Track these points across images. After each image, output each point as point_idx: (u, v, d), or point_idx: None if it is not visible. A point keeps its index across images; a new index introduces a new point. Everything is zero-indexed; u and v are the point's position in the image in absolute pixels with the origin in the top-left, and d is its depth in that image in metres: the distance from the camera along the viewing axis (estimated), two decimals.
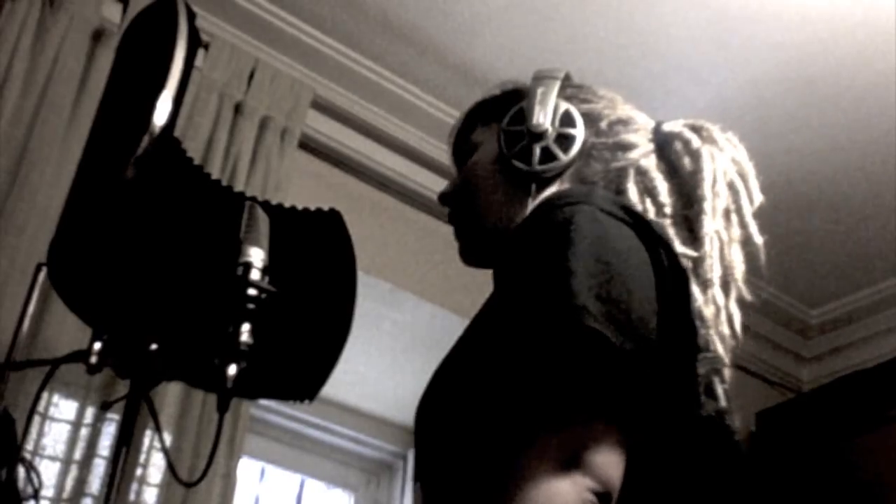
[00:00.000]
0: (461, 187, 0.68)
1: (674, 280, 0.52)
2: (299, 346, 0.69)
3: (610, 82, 1.80)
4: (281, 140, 1.37)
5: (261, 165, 1.34)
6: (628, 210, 0.55)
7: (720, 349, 0.57)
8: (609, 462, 0.45)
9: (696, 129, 0.67)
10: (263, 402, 1.48)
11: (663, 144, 0.66)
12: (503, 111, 0.67)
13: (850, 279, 1.88)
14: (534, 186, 0.62)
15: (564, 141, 0.63)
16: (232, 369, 0.54)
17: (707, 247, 0.60)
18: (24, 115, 1.15)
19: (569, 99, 0.66)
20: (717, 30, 1.43)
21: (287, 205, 0.74)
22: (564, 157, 0.62)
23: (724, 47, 1.45)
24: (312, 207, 0.75)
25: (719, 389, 0.56)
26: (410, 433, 1.88)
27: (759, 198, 0.65)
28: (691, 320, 0.53)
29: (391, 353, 1.60)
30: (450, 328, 1.72)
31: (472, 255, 0.68)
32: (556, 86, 0.66)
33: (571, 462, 0.44)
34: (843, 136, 1.60)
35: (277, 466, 1.62)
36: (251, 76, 1.37)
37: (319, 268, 0.73)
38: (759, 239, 0.64)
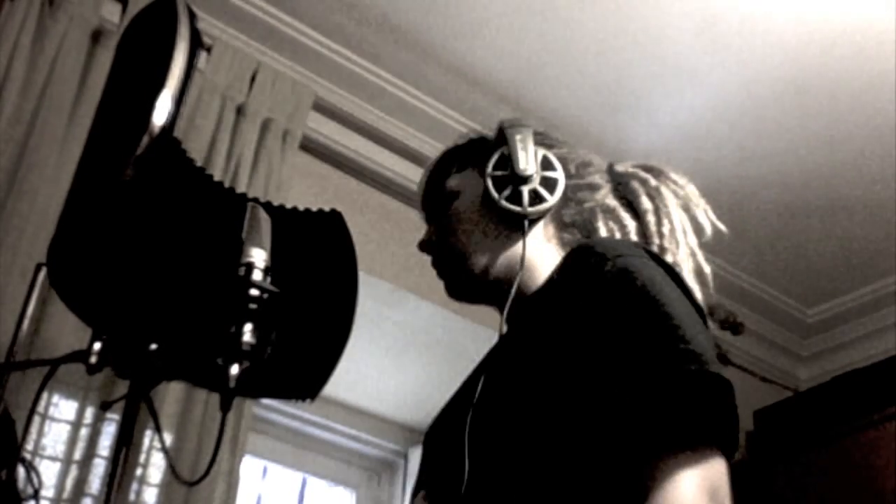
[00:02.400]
0: (446, 233, 0.71)
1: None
2: (301, 346, 0.70)
3: (609, 84, 1.82)
4: (282, 142, 1.38)
5: (262, 167, 1.34)
6: (662, 261, 0.61)
7: None
8: (729, 497, 0.53)
9: (648, 169, 0.73)
10: (266, 401, 1.48)
11: (619, 184, 0.72)
12: (476, 157, 0.71)
13: (847, 278, 1.89)
14: (526, 223, 0.66)
15: (548, 183, 0.68)
16: (234, 369, 0.54)
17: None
18: (23, 115, 1.15)
19: (539, 145, 0.71)
20: (715, 32, 1.43)
21: (288, 206, 0.74)
22: (552, 198, 0.67)
23: (722, 49, 1.46)
24: (314, 208, 0.75)
25: None
26: (412, 431, 1.88)
27: (708, 228, 0.72)
28: None
29: (392, 352, 1.60)
30: (450, 328, 1.73)
31: (462, 292, 0.72)
32: (532, 133, 0.70)
33: (713, 494, 0.51)
34: (840, 137, 1.60)
35: (279, 465, 1.62)
36: (253, 78, 1.37)
37: (321, 268, 0.73)
38: (707, 269, 0.70)
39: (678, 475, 0.51)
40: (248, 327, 0.55)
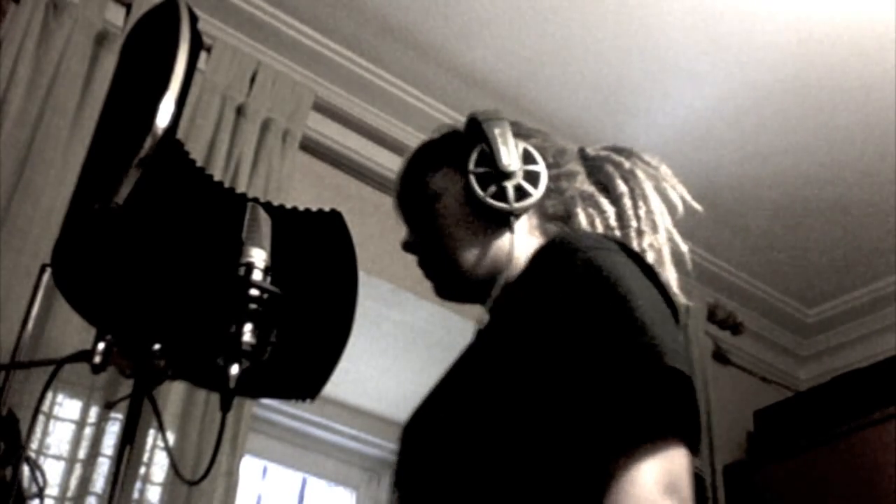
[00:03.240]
0: (431, 234, 0.70)
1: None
2: (301, 346, 0.70)
3: (609, 84, 1.82)
4: (282, 142, 1.38)
5: (262, 167, 1.35)
6: (635, 255, 0.60)
7: None
8: (689, 488, 0.52)
9: (619, 152, 0.73)
10: (266, 401, 1.49)
11: (593, 168, 0.72)
12: (452, 154, 0.69)
13: (847, 278, 1.89)
14: (512, 219, 0.66)
15: (531, 177, 0.67)
16: (234, 369, 0.55)
17: (654, 263, 0.66)
18: (28, 118, 1.16)
19: (516, 137, 0.70)
20: (715, 32, 1.44)
21: (289, 206, 0.74)
22: (536, 192, 0.67)
23: (722, 49, 1.46)
24: (314, 208, 0.75)
25: None
26: None
27: (679, 207, 0.71)
28: None
29: (392, 352, 1.60)
30: (450, 328, 1.73)
31: (452, 292, 0.71)
32: (509, 125, 0.69)
33: (672, 488, 0.50)
34: (840, 137, 1.60)
35: (279, 465, 1.63)
36: (253, 78, 1.38)
37: (321, 268, 0.73)
38: (684, 248, 0.70)
39: (635, 470, 0.50)
40: (248, 327, 0.56)
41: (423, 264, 0.71)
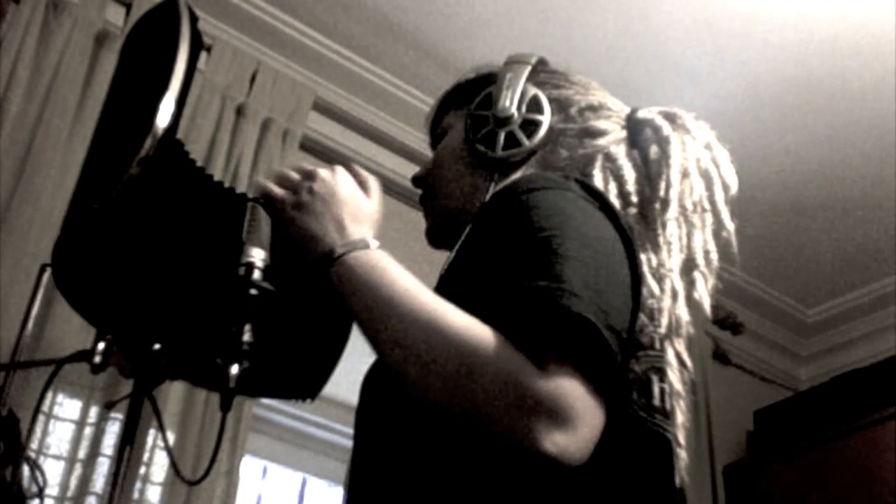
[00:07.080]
0: (432, 170, 0.69)
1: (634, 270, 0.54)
2: (301, 346, 0.70)
3: (609, 83, 1.81)
4: (282, 142, 1.39)
5: (262, 167, 1.35)
6: (597, 194, 0.55)
7: (672, 344, 0.58)
8: (591, 427, 0.45)
9: (668, 117, 0.68)
10: (266, 401, 1.49)
11: (635, 131, 0.66)
12: (475, 95, 0.66)
13: (847, 279, 1.89)
14: (497, 172, 0.62)
15: (530, 126, 0.63)
16: (234, 369, 0.55)
17: (669, 235, 0.61)
18: (28, 118, 1.16)
19: (540, 85, 0.66)
20: (715, 31, 1.44)
21: None
22: (528, 143, 0.62)
23: (722, 48, 1.46)
24: None
25: (656, 388, 0.56)
26: None
27: (734, 184, 0.67)
28: (637, 314, 0.54)
29: None
30: None
31: (436, 236, 0.68)
32: (526, 71, 0.66)
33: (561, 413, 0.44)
34: (840, 137, 1.60)
35: (279, 465, 1.63)
36: (253, 78, 1.39)
37: None
38: (730, 225, 0.66)
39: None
40: (247, 327, 0.56)
41: (421, 199, 0.70)
